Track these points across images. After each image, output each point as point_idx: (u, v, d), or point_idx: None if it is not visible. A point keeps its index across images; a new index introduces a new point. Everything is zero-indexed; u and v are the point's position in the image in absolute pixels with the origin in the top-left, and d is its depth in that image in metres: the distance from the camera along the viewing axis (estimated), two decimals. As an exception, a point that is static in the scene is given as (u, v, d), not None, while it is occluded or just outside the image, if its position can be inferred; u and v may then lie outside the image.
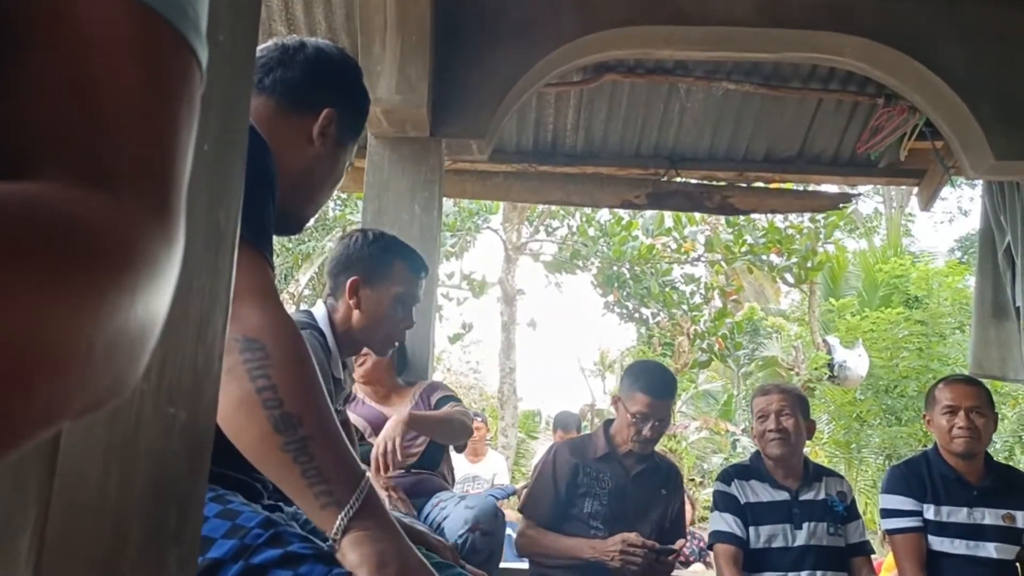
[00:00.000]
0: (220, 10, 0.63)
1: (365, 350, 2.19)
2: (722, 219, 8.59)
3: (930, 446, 2.91)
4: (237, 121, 0.72)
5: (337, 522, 0.96)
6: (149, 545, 0.61)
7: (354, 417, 2.51)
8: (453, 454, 2.85)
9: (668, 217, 9.17)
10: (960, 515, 2.69)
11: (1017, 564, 2.72)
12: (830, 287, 11.83)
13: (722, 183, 4.17)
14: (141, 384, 0.57)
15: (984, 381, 3.07)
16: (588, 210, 9.07)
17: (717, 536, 2.73)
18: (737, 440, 10.74)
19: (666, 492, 2.90)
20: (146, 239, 0.35)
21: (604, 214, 9.35)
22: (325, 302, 2.01)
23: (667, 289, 9.37)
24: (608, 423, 2.96)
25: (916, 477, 2.76)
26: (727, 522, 2.72)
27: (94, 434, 0.54)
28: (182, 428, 0.63)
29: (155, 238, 0.35)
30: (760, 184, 4.30)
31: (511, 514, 4.46)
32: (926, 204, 4.14)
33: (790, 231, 8.65)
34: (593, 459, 2.84)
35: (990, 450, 2.87)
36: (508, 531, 3.01)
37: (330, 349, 1.88)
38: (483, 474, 5.79)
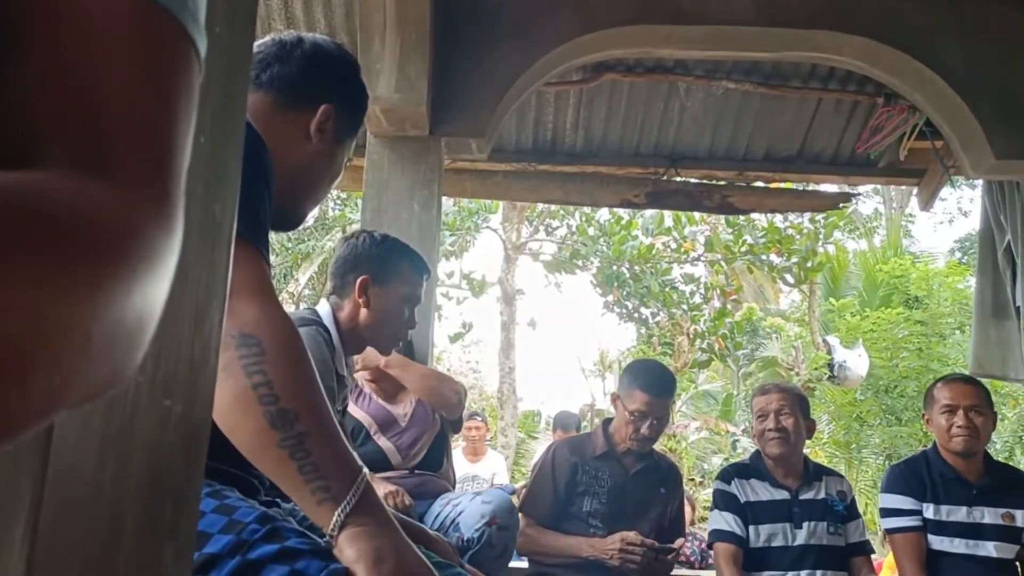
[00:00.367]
0: (217, 1, 0.63)
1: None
2: (722, 219, 8.59)
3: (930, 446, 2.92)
4: (234, 113, 0.72)
5: (334, 518, 0.95)
6: (144, 538, 0.60)
7: (360, 414, 2.52)
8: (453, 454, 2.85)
9: (668, 217, 9.17)
10: (959, 514, 2.69)
11: (1017, 563, 2.72)
12: (830, 287, 11.82)
13: (722, 182, 4.17)
14: (137, 376, 0.57)
15: (984, 381, 3.07)
16: (588, 209, 9.06)
17: (717, 535, 2.73)
18: (737, 441, 10.73)
19: (665, 491, 2.90)
20: (145, 228, 0.35)
21: (604, 213, 9.34)
22: (328, 300, 2.03)
23: (667, 289, 9.37)
24: (607, 422, 2.96)
25: (915, 476, 2.76)
26: (727, 521, 2.72)
27: (89, 426, 0.53)
28: (178, 420, 0.63)
29: (154, 227, 0.35)
30: (760, 184, 4.30)
31: (510, 513, 4.45)
32: (926, 204, 4.14)
33: (790, 231, 8.65)
34: (592, 458, 2.84)
35: (991, 450, 2.87)
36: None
37: (334, 346, 1.91)
38: (482, 474, 5.79)
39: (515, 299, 11.07)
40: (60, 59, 0.35)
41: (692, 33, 3.17)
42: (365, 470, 1.02)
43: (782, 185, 4.61)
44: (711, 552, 2.81)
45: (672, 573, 2.82)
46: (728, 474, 2.84)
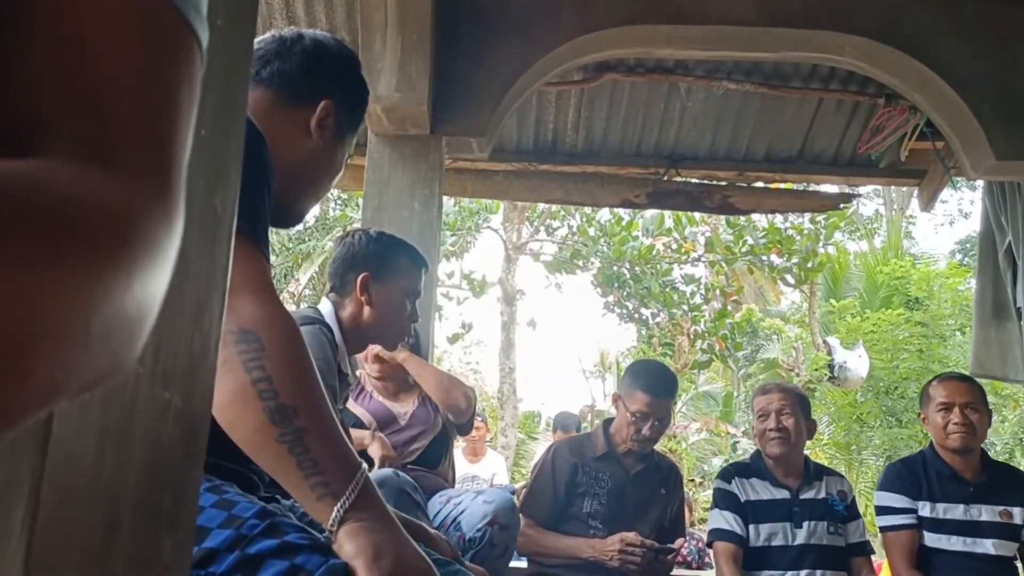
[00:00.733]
0: (217, -5, 0.63)
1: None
2: (722, 219, 8.59)
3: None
4: (235, 106, 0.72)
5: (333, 513, 0.95)
6: (143, 530, 0.60)
7: (359, 410, 2.52)
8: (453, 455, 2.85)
9: (668, 217, 9.17)
10: (956, 512, 2.70)
11: (1017, 562, 2.72)
12: (831, 288, 11.82)
13: (722, 183, 4.17)
14: (136, 368, 0.57)
15: (983, 381, 3.08)
16: (588, 210, 9.07)
17: (717, 534, 2.73)
18: (737, 442, 10.73)
19: (665, 491, 2.90)
20: (145, 218, 0.35)
21: (604, 214, 9.34)
22: (329, 299, 2.03)
23: (667, 289, 9.37)
24: (608, 422, 2.96)
25: (912, 475, 2.77)
26: (727, 520, 2.72)
27: (88, 418, 0.53)
28: (177, 413, 0.63)
29: (155, 217, 0.35)
30: (760, 184, 4.30)
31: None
32: (927, 204, 4.14)
33: (790, 232, 8.65)
34: (592, 458, 2.83)
35: (991, 453, 2.88)
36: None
37: (337, 344, 1.92)
38: (482, 474, 5.79)
39: (515, 299, 11.08)
40: (62, 48, 0.35)
41: (693, 33, 3.17)
42: (364, 466, 1.02)
43: (783, 185, 4.61)
44: (708, 552, 2.81)
45: (670, 573, 2.82)
46: (728, 473, 2.84)
